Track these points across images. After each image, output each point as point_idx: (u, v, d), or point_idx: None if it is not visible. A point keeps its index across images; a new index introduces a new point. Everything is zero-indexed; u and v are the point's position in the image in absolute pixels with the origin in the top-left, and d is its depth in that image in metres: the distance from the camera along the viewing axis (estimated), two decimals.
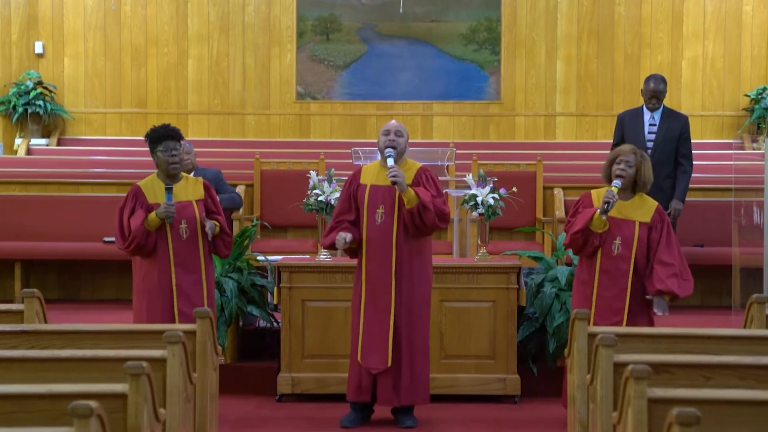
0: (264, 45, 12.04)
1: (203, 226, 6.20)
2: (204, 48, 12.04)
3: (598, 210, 6.07)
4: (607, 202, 6.04)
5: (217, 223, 6.26)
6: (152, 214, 6.10)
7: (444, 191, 6.40)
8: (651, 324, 6.17)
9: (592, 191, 6.30)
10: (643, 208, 6.20)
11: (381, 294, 6.19)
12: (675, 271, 6.12)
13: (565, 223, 6.35)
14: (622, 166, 6.16)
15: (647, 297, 6.14)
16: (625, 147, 6.25)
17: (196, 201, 6.25)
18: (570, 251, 6.55)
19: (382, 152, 6.24)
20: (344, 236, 6.17)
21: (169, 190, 6.14)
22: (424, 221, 6.16)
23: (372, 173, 6.31)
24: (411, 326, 6.24)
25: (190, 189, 6.28)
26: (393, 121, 6.34)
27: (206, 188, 6.33)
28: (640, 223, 6.17)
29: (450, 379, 6.97)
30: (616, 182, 6.12)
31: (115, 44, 12.02)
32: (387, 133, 6.23)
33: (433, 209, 6.12)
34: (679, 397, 3.95)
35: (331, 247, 6.35)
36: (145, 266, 6.21)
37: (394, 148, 6.19)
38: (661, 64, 11.88)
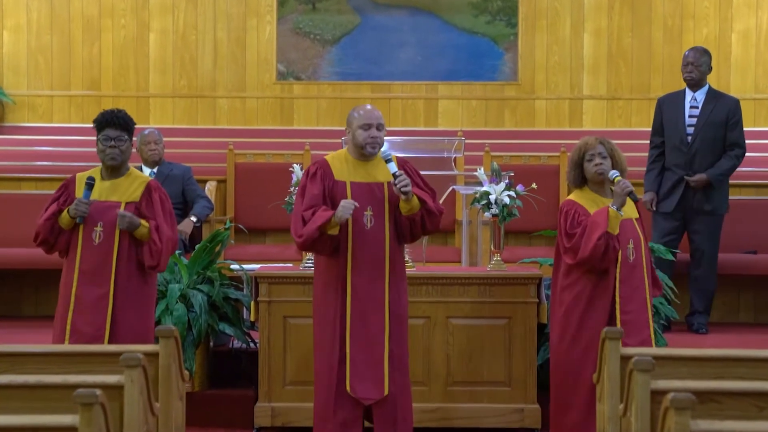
0: (239, 16, 12.04)
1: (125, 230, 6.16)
2: (168, 19, 12.04)
3: (612, 206, 6.13)
4: (631, 190, 6.12)
5: (144, 223, 6.18)
6: (66, 210, 6.15)
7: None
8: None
9: (572, 197, 6.34)
10: (629, 203, 6.30)
11: (372, 311, 6.12)
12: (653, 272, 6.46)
13: (567, 239, 6.26)
14: (596, 160, 6.25)
15: None
16: (589, 139, 6.33)
17: (127, 203, 6.23)
18: (579, 268, 6.52)
19: (361, 147, 6.18)
20: (352, 203, 6.00)
21: (88, 185, 6.16)
22: (425, 228, 6.16)
23: (346, 168, 6.21)
24: (401, 346, 6.21)
25: (126, 188, 6.27)
26: (369, 107, 6.18)
27: (148, 190, 6.28)
28: (635, 219, 6.33)
29: (458, 410, 6.97)
30: (614, 172, 6.21)
31: (64, 15, 12.01)
32: (368, 127, 6.13)
33: (437, 213, 6.14)
34: (727, 430, 3.95)
35: (319, 231, 6.03)
36: (63, 271, 6.28)
37: (379, 144, 6.13)
38: (707, 38, 11.88)
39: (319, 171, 6.19)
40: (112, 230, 6.16)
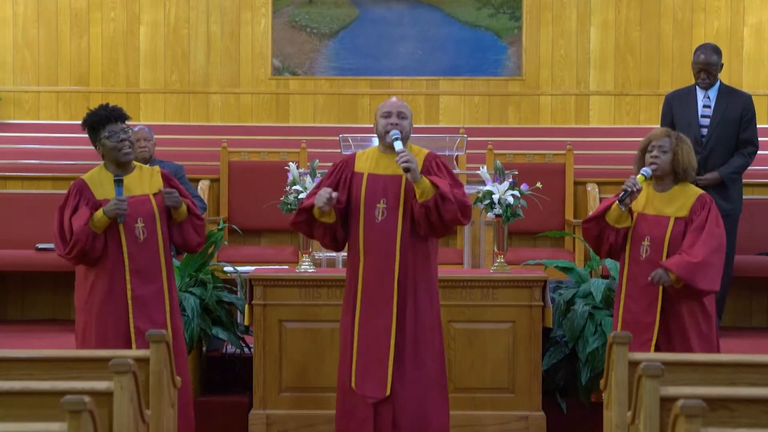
0: (232, 9, 12.04)
1: (163, 222, 6.19)
2: (159, 12, 12.03)
3: (617, 197, 6.14)
4: (625, 191, 6.08)
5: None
6: (99, 212, 6.08)
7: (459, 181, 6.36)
8: (688, 346, 6.19)
9: None
10: (682, 200, 6.26)
11: (381, 308, 6.15)
12: (697, 259, 6.09)
13: None
14: (654, 152, 6.23)
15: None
16: (657, 131, 6.34)
17: (154, 194, 6.25)
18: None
19: (381, 137, 6.23)
20: (328, 190, 6.09)
21: (118, 181, 6.11)
22: (442, 216, 6.05)
23: (369, 161, 6.28)
24: (419, 351, 6.20)
25: (145, 180, 6.28)
26: (393, 99, 6.31)
27: (165, 178, 6.33)
28: (675, 219, 6.23)
29: (460, 417, 6.97)
30: (645, 170, 6.20)
31: (51, 8, 12.00)
32: (387, 115, 6.20)
33: (454, 200, 6.07)
34: None
35: (305, 213, 6.18)
36: (92, 276, 6.19)
37: (399, 131, 6.18)
38: (718, 31, 11.88)
39: (341, 165, 6.31)
40: (153, 224, 6.19)
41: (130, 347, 6.07)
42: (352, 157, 6.35)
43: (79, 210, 6.13)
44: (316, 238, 6.36)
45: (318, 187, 6.29)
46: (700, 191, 6.31)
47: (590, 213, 6.32)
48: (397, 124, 6.16)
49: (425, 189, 6.04)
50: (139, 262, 6.15)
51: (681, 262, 6.07)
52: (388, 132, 6.16)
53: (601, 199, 9.48)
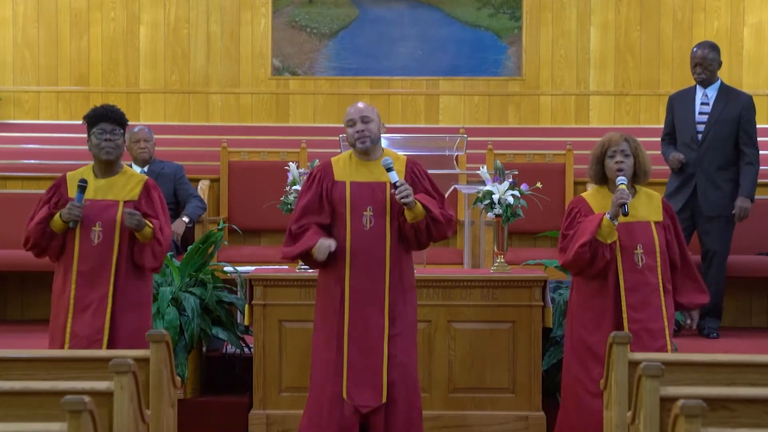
0: (232, 8, 12.04)
1: (124, 230, 6.14)
2: (159, 12, 12.03)
3: (607, 214, 6.10)
4: (624, 203, 6.06)
5: (149, 223, 6.15)
6: (57, 214, 6.14)
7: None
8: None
9: (584, 195, 6.36)
10: (649, 203, 6.30)
11: (372, 315, 6.12)
12: (698, 279, 6.40)
13: (561, 239, 6.31)
14: (618, 158, 6.22)
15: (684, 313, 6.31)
16: (614, 135, 6.31)
17: (125, 202, 6.22)
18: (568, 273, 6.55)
19: (352, 146, 6.21)
20: (328, 243, 6.08)
21: (81, 188, 6.13)
22: (431, 236, 6.16)
23: (348, 168, 6.24)
24: (405, 353, 6.19)
25: (123, 186, 6.26)
26: (359, 104, 6.24)
27: (147, 189, 6.27)
28: (655, 223, 6.26)
29: (460, 417, 6.97)
30: (622, 178, 6.17)
31: (51, 8, 12.00)
32: (352, 123, 6.19)
33: (444, 221, 6.12)
34: None
35: (301, 257, 6.21)
36: (56, 273, 6.27)
37: (368, 137, 6.16)
38: (718, 31, 11.88)
39: (318, 174, 6.24)
40: (112, 230, 6.15)
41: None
42: (328, 164, 6.27)
43: (46, 206, 6.20)
44: (306, 264, 6.48)
45: (300, 203, 6.23)
46: (658, 194, 6.38)
47: (580, 239, 6.11)
48: (362, 131, 6.15)
49: (418, 213, 6.08)
50: (88, 265, 6.13)
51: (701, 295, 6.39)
52: (357, 139, 6.15)
53: None
